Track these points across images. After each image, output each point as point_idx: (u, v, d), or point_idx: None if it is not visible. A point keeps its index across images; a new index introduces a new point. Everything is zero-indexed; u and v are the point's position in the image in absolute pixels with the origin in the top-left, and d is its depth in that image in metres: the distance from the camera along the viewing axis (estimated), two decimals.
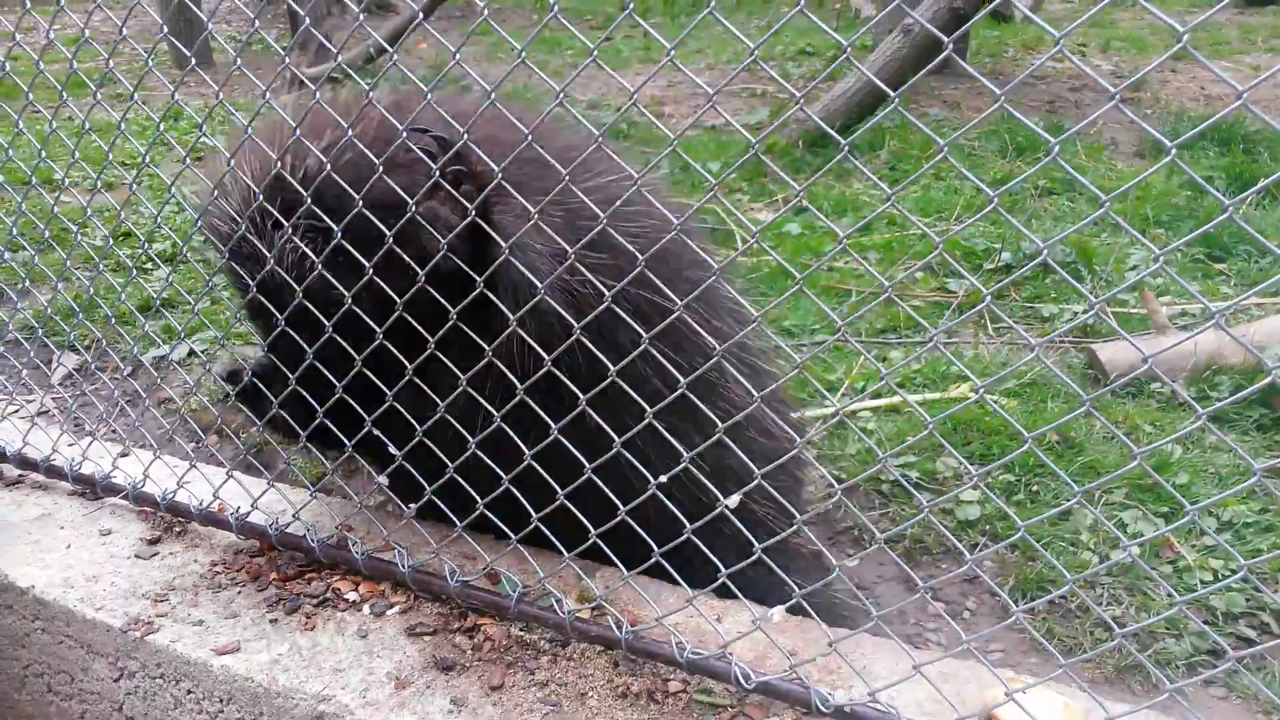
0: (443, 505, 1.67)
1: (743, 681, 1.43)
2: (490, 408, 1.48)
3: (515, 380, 1.45)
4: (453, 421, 1.54)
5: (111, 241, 2.05)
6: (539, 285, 1.43)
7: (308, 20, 1.73)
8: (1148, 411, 2.78)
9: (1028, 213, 4.32)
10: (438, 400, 1.53)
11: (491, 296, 1.44)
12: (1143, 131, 5.46)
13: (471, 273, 1.43)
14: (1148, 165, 4.94)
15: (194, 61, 1.75)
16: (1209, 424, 1.09)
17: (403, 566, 1.72)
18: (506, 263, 1.45)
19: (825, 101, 5.31)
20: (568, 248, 1.36)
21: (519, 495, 1.54)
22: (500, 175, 1.37)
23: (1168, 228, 4.06)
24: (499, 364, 1.45)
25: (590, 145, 1.30)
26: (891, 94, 1.13)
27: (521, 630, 1.67)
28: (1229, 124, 4.88)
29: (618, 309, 1.39)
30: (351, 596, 1.77)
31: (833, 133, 1.26)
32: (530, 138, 1.29)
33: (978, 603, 2.27)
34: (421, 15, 6.81)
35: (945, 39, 1.11)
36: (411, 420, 1.57)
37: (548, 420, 1.43)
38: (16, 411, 2.43)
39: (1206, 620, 2.10)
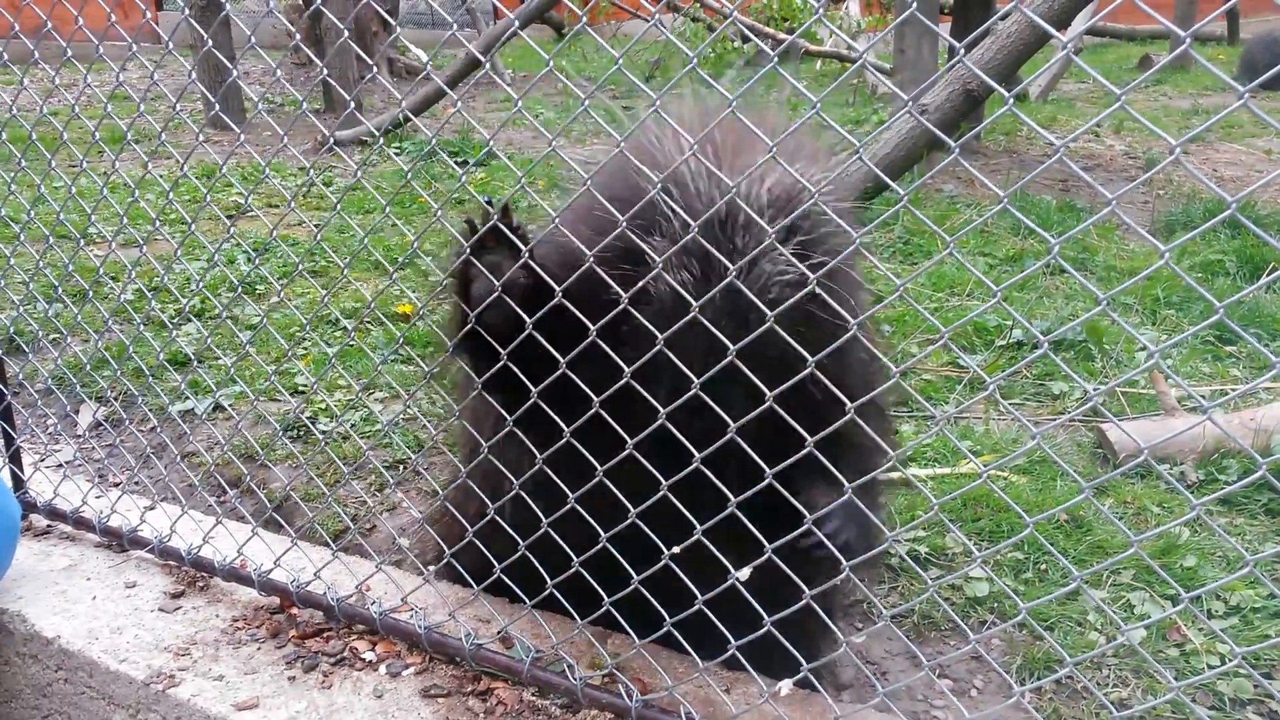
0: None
1: None
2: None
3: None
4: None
5: (153, 298, 2.14)
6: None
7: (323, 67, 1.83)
8: (1156, 493, 2.81)
9: (1039, 291, 4.38)
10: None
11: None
12: (1155, 212, 5.55)
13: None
14: (1161, 244, 5.00)
15: (217, 107, 1.86)
16: (1204, 515, 1.14)
17: (419, 627, 1.76)
18: None
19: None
20: None
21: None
22: None
23: (1178, 309, 4.12)
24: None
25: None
26: (899, 191, 1.20)
27: (534, 695, 1.70)
28: (1240, 207, 4.94)
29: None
30: (368, 656, 1.81)
31: (847, 227, 1.34)
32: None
33: (985, 680, 2.28)
34: (447, 86, 7.02)
35: (952, 144, 1.19)
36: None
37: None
38: (44, 460, 2.50)
39: (1214, 705, 2.10)
